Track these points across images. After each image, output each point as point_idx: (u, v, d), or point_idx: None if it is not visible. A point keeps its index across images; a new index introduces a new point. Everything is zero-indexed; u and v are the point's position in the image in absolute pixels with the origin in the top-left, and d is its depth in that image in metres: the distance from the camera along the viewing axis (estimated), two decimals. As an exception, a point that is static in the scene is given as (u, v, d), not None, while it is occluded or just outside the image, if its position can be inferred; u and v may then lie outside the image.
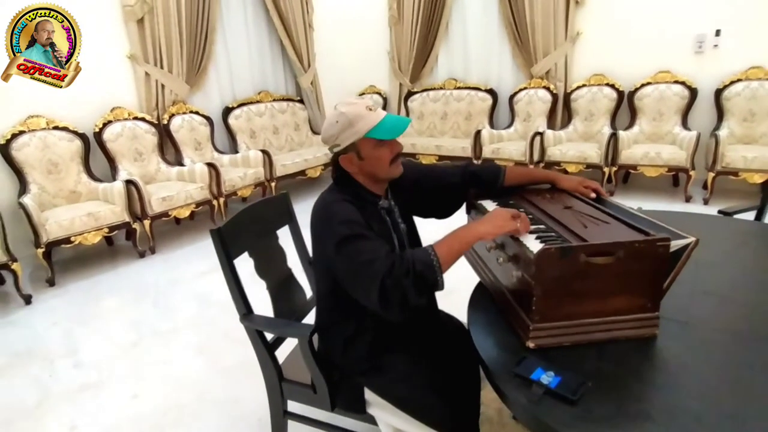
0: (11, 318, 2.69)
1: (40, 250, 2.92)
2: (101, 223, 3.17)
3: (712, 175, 3.64)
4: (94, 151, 3.54)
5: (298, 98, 5.16)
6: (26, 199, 2.95)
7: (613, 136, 3.96)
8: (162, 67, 3.91)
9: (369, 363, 1.18)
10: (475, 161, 4.59)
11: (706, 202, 3.70)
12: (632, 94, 4.21)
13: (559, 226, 1.06)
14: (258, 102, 4.78)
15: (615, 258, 0.92)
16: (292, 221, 1.59)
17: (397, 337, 1.20)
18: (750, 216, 1.87)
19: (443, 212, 1.37)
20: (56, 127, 3.32)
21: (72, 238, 3.05)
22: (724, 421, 0.77)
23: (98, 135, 3.54)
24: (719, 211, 1.81)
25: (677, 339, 0.97)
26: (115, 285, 3.06)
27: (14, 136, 3.13)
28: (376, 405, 1.20)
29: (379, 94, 5.58)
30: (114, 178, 3.51)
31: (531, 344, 0.96)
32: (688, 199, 3.81)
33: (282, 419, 1.41)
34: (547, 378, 0.86)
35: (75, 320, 2.63)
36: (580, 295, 0.95)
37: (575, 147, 4.21)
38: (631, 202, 4.11)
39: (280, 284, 1.48)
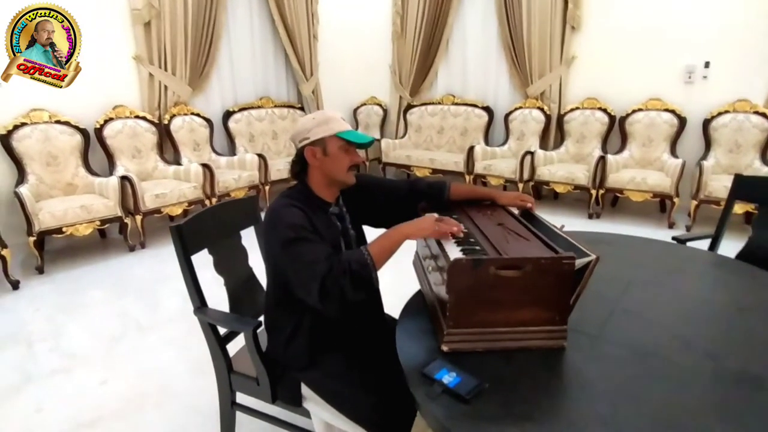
0: (-2, 301, 2.79)
1: (32, 239, 3.04)
2: (93, 215, 3.28)
3: (695, 203, 3.69)
4: (94, 147, 3.67)
5: (299, 105, 5.28)
6: (22, 189, 3.06)
7: (602, 160, 4.01)
8: (166, 69, 4.05)
9: (307, 359, 1.25)
10: (466, 176, 4.67)
11: (688, 229, 3.74)
12: (623, 119, 4.28)
13: (485, 240, 1.14)
14: (259, 107, 4.91)
15: (523, 272, 0.98)
16: (257, 223, 1.68)
17: (335, 336, 1.27)
18: (705, 244, 1.93)
19: (390, 222, 1.44)
20: (58, 121, 3.46)
21: (64, 229, 3.16)
22: (594, 423, 0.83)
23: (99, 131, 3.67)
24: (673, 238, 1.86)
25: (583, 351, 1.04)
26: (103, 276, 3.16)
27: (16, 127, 3.26)
28: (311, 399, 1.27)
29: (380, 105, 5.70)
30: (111, 174, 3.63)
31: (445, 348, 1.03)
32: (671, 225, 3.85)
33: (230, 410, 1.48)
34: (448, 378, 0.92)
35: (59, 308, 2.72)
36: (492, 305, 1.02)
37: (564, 168, 4.28)
38: (618, 226, 4.10)
39: (239, 282, 1.56)
